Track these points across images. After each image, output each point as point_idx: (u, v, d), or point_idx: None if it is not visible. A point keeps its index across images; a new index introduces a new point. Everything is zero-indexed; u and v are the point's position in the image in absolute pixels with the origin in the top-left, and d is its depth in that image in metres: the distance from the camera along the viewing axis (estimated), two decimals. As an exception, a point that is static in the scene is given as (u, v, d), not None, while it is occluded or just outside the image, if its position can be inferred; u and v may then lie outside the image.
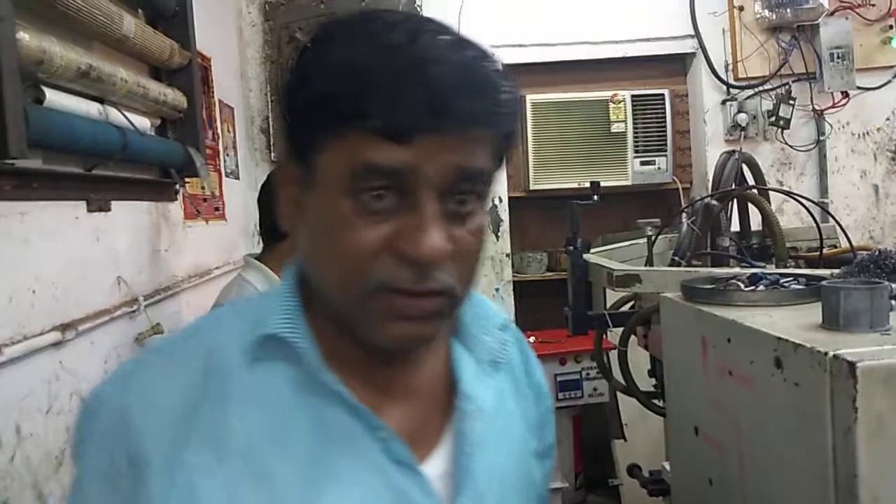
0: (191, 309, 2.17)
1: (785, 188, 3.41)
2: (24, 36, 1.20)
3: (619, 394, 2.37)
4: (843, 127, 3.67)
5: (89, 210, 1.57)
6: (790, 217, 3.25)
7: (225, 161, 2.84)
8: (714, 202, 2.10)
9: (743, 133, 3.59)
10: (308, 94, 0.58)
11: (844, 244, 2.05)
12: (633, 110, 3.57)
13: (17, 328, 1.24)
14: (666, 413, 1.38)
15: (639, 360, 1.77)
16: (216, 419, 0.59)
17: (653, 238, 2.14)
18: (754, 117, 3.60)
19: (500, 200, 3.52)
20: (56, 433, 1.35)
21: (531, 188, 3.55)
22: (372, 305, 0.58)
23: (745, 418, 0.92)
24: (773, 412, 0.84)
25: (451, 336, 0.70)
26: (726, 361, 0.96)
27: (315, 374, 0.61)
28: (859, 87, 3.55)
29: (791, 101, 3.52)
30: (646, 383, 1.78)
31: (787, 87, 3.54)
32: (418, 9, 3.45)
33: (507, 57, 2.14)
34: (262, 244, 2.06)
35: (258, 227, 2.09)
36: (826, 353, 0.73)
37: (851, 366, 0.70)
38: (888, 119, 3.69)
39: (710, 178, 2.48)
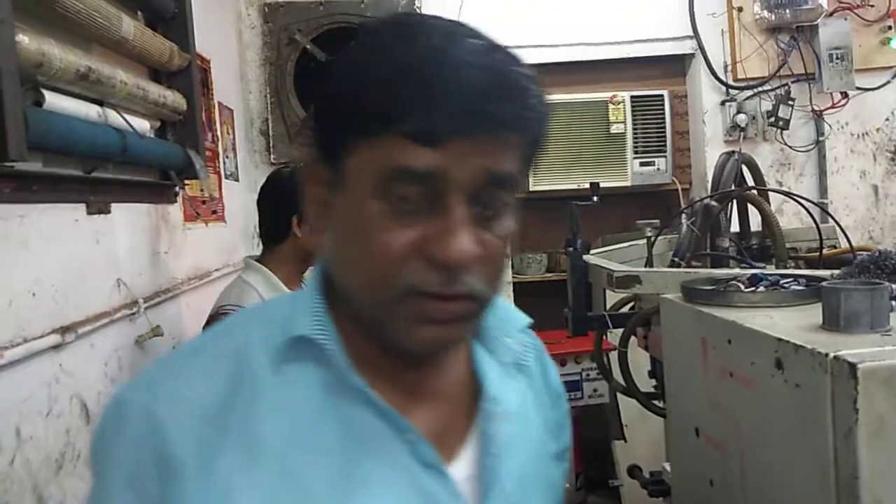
0: (191, 311, 2.17)
1: (784, 189, 3.41)
2: (24, 38, 1.19)
3: (619, 395, 2.36)
4: (843, 127, 3.68)
5: (89, 212, 1.57)
6: (790, 218, 3.25)
7: (224, 163, 2.84)
8: (714, 203, 2.10)
9: (742, 134, 3.59)
10: (341, 98, 0.59)
11: (844, 244, 2.06)
12: (633, 111, 3.57)
13: (17, 331, 1.24)
14: (666, 414, 1.38)
15: (639, 361, 1.77)
16: (248, 422, 0.59)
17: (652, 239, 2.14)
18: (753, 118, 3.60)
19: (500, 201, 3.52)
20: (56, 436, 1.34)
21: (531, 189, 3.55)
22: (400, 309, 0.58)
23: (745, 419, 0.92)
24: (773, 413, 0.84)
25: (473, 339, 0.70)
26: (727, 362, 0.96)
27: (343, 376, 0.61)
28: (858, 88, 3.56)
29: (790, 102, 3.53)
30: (646, 384, 1.77)
31: (786, 87, 3.55)
32: (417, 9, 3.46)
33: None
34: (261, 246, 2.06)
35: (258, 229, 2.09)
36: (827, 355, 0.73)
37: (852, 367, 0.70)
38: (887, 119, 3.70)
39: (710, 178, 2.48)
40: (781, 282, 1.10)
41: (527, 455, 0.70)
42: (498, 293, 0.64)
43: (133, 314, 1.71)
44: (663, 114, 3.60)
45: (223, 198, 2.75)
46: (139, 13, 1.90)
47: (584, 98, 3.57)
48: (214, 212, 2.64)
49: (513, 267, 3.61)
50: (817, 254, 2.04)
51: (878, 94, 3.62)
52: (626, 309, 1.88)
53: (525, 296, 3.62)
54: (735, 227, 2.29)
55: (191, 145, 2.06)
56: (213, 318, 1.89)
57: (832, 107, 3.61)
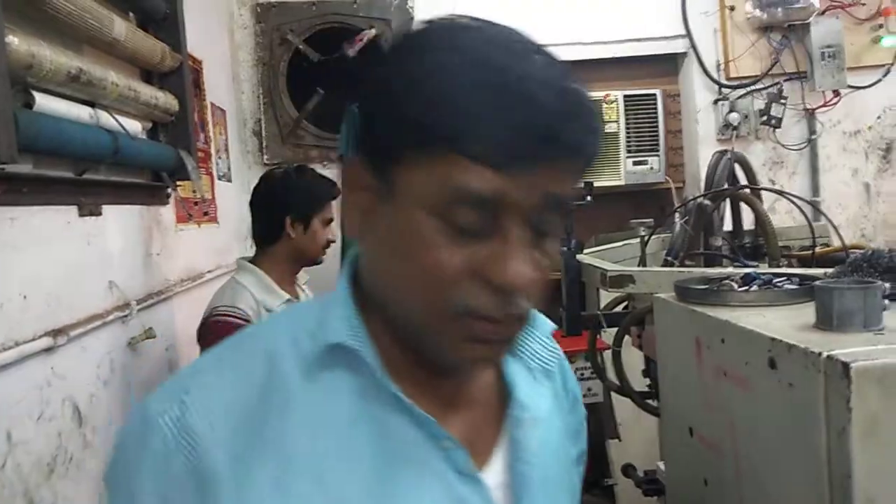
0: (183, 313, 2.16)
1: (777, 187, 3.42)
2: (14, 40, 1.19)
3: (613, 394, 2.37)
4: (835, 126, 3.69)
5: (80, 214, 1.56)
6: (782, 216, 3.25)
7: (217, 164, 2.83)
8: (707, 202, 2.10)
9: (735, 132, 3.60)
10: (396, 109, 0.56)
11: (836, 243, 2.06)
12: (626, 110, 3.58)
13: (9, 334, 1.23)
14: (660, 413, 1.38)
15: (633, 360, 1.77)
16: (282, 432, 0.58)
17: (646, 238, 2.14)
18: (746, 117, 3.61)
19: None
20: (47, 440, 1.34)
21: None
22: (451, 327, 0.57)
23: (739, 419, 0.92)
24: (767, 412, 0.84)
25: None
26: (720, 362, 0.96)
27: (378, 382, 0.60)
28: (850, 86, 3.57)
29: (782, 101, 3.54)
30: (640, 383, 1.77)
31: (778, 86, 3.56)
32: (410, 9, 3.45)
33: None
34: (254, 247, 2.06)
35: (251, 231, 2.09)
36: (820, 354, 0.73)
37: (845, 366, 0.70)
38: (879, 117, 3.71)
39: (703, 177, 2.48)
40: (775, 281, 1.10)
41: (552, 461, 0.70)
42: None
43: (125, 316, 1.70)
44: (656, 113, 3.60)
45: (216, 199, 2.74)
46: (130, 14, 1.89)
47: (576, 97, 3.56)
48: (207, 213, 2.63)
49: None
50: (810, 252, 2.04)
51: (869, 92, 3.64)
52: (619, 308, 1.88)
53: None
54: (728, 225, 2.29)
55: (183, 146, 2.06)
56: (207, 320, 1.89)
57: (824, 105, 3.62)
